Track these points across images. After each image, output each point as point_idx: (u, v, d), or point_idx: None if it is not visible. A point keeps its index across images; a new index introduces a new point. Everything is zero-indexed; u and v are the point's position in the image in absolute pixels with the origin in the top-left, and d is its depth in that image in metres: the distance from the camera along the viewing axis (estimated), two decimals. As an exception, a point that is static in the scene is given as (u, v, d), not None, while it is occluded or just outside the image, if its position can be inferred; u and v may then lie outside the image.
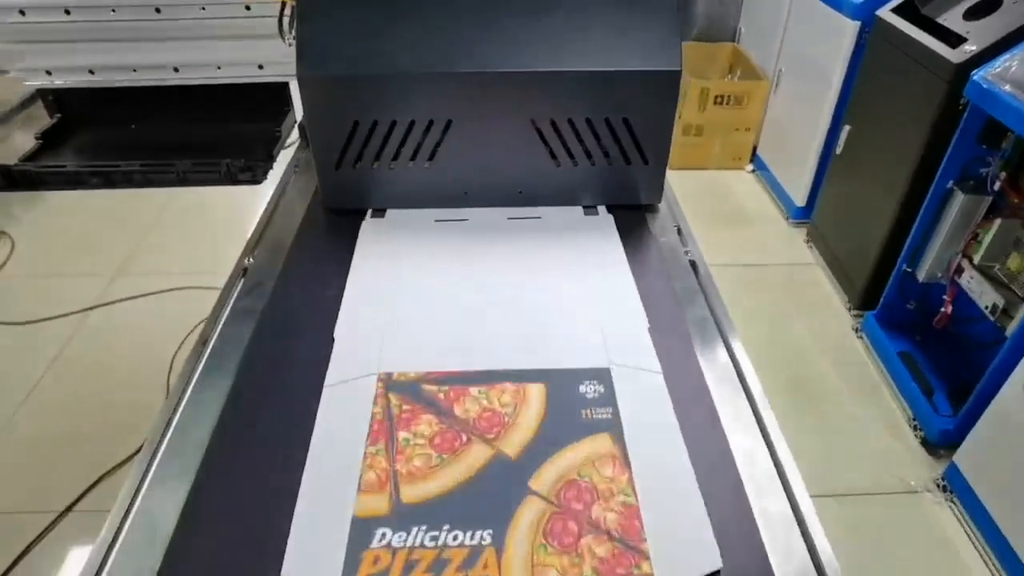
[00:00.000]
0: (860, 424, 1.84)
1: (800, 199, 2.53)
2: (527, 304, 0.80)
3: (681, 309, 0.80)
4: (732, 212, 2.72)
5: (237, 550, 0.55)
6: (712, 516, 0.56)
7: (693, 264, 0.87)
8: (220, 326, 0.78)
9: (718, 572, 0.53)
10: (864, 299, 2.10)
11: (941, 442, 1.72)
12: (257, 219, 0.99)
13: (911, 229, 1.84)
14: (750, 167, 2.94)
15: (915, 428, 1.79)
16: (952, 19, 1.79)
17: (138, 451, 1.75)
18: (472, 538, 0.55)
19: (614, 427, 0.64)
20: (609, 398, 0.67)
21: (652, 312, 0.78)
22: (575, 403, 0.66)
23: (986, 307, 1.63)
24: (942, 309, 1.80)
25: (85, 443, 1.74)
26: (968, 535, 1.54)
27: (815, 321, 2.17)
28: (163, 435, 0.67)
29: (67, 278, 2.32)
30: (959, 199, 1.70)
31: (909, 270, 1.88)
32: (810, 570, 0.55)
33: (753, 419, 0.67)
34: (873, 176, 2.05)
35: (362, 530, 0.56)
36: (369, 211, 0.97)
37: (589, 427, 0.64)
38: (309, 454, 0.62)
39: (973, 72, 1.57)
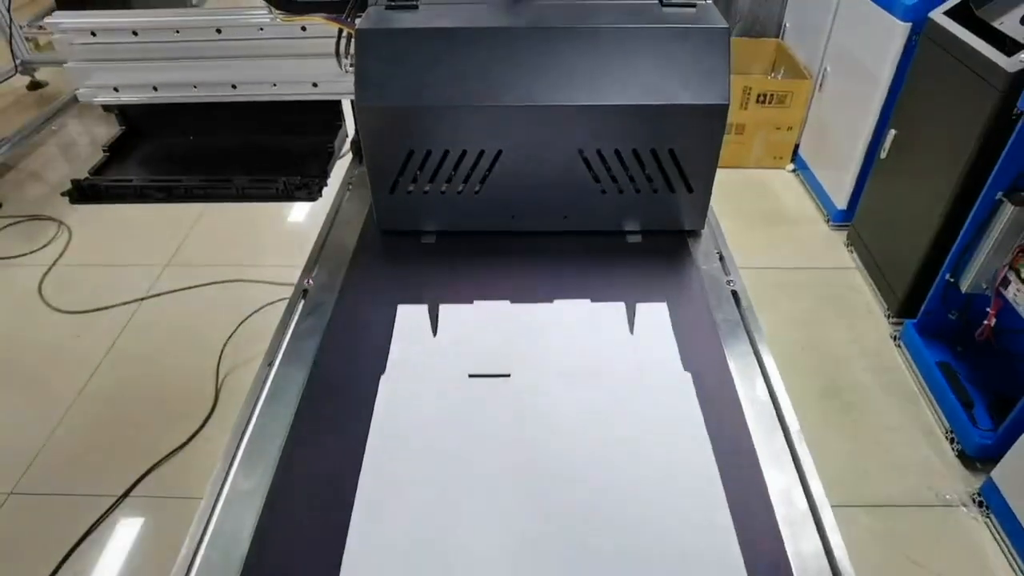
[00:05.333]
0: (895, 434, 1.83)
1: (841, 202, 2.50)
2: (593, 511, 0.65)
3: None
4: (772, 212, 2.70)
5: None
6: None
7: (735, 295, 0.89)
8: (284, 346, 0.82)
9: None
10: (904, 307, 2.08)
11: (979, 456, 1.71)
12: (311, 231, 1.03)
13: (956, 238, 1.81)
14: (791, 167, 2.90)
15: (952, 441, 1.78)
16: (1009, 23, 1.74)
17: (191, 440, 1.83)
18: None
19: None
20: None
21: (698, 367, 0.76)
22: None
23: (1031, 321, 1.61)
24: (985, 321, 1.77)
25: (140, 429, 1.84)
26: (1004, 552, 1.54)
27: (853, 327, 2.15)
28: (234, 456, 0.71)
29: (119, 268, 2.42)
30: (1008, 211, 1.67)
31: (952, 280, 1.86)
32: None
33: (790, 458, 0.69)
34: (918, 182, 2.02)
35: None
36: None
37: None
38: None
39: (1029, 83, 1.54)
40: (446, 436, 0.71)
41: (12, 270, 2.42)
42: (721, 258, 0.96)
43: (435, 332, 0.84)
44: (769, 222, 2.64)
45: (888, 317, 2.15)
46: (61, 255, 2.47)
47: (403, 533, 0.63)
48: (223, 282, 2.31)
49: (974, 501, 1.65)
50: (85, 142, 3.27)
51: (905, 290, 2.06)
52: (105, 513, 1.63)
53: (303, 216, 2.66)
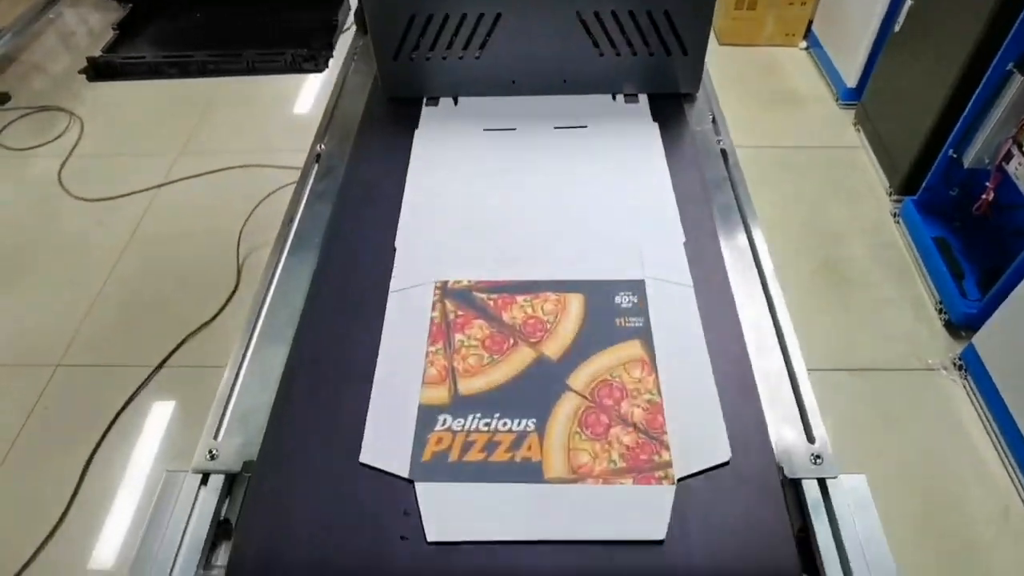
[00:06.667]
0: (887, 306, 1.91)
1: (852, 79, 2.46)
2: (571, 217, 0.86)
3: (710, 207, 0.86)
4: (781, 92, 2.66)
5: (323, 432, 0.66)
6: (726, 414, 0.65)
7: (724, 153, 0.93)
8: (302, 206, 0.89)
9: (727, 463, 0.62)
10: (906, 184, 2.10)
11: (964, 324, 1.79)
12: (317, 105, 1.07)
13: (962, 114, 1.81)
14: (803, 44, 2.83)
15: (940, 311, 1.86)
16: None
17: (218, 315, 1.95)
18: (518, 425, 0.65)
19: (644, 334, 0.71)
20: (642, 308, 0.74)
21: (683, 206, 0.85)
22: (611, 312, 0.74)
23: (1029, 194, 1.64)
24: (983, 196, 1.81)
25: (169, 307, 1.95)
26: (977, 411, 1.65)
27: (854, 205, 2.19)
28: (263, 303, 0.79)
29: (134, 157, 2.47)
30: (1017, 82, 1.66)
31: (955, 155, 1.87)
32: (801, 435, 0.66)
33: (764, 298, 0.77)
34: (930, 56, 1.99)
35: (427, 415, 0.66)
36: (424, 100, 1.04)
37: (622, 334, 0.72)
38: (380, 351, 0.71)
39: (1045, -55, 1.49)
40: (467, 168, 0.93)
41: (30, 160, 2.48)
42: (713, 120, 0.99)
43: (456, 104, 1.04)
44: (778, 102, 2.61)
45: (890, 195, 2.18)
46: (76, 145, 2.51)
47: (442, 207, 0.87)
48: (236, 167, 2.36)
49: (955, 365, 1.75)
50: (83, 31, 3.21)
51: (908, 167, 2.08)
52: (144, 381, 1.77)
53: (309, 105, 2.66)
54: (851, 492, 0.62)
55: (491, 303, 0.75)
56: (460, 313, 0.74)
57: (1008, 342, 1.57)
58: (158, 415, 1.73)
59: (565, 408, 0.66)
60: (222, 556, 0.62)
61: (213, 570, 0.61)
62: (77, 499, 1.56)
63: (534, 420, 0.65)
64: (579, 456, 0.62)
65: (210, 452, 0.66)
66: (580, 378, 0.68)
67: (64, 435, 1.68)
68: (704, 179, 0.90)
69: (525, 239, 0.83)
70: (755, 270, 0.80)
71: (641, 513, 0.59)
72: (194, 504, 0.62)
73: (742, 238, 0.84)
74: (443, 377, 0.69)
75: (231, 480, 0.65)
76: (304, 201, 0.91)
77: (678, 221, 0.84)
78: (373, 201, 0.89)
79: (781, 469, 0.63)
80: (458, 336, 0.72)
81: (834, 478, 0.62)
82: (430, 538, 0.58)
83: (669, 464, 0.61)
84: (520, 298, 0.75)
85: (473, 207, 0.87)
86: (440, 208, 0.88)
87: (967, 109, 1.79)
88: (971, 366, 1.70)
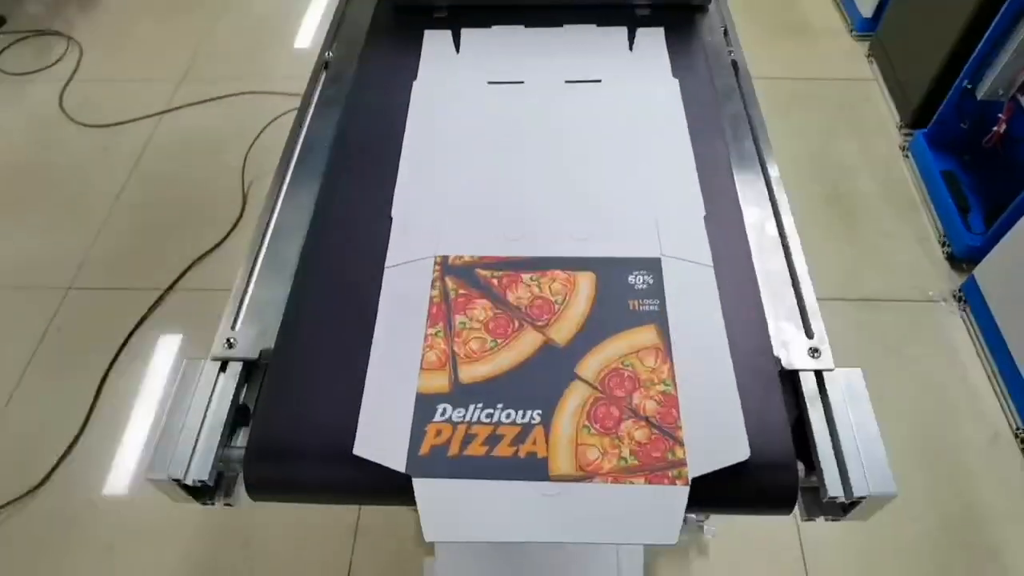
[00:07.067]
0: (892, 238, 1.92)
1: (868, 9, 2.39)
2: (583, 186, 0.79)
3: (731, 172, 0.80)
4: (795, 22, 2.60)
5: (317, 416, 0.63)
6: (745, 407, 0.60)
7: (734, 63, 0.93)
8: (311, 111, 0.89)
9: (745, 462, 0.58)
10: (917, 118, 2.07)
11: (966, 257, 1.80)
12: (316, 45, 1.05)
13: (979, 45, 1.77)
14: (821, -28, 2.74)
15: (944, 244, 1.87)
16: None
17: (225, 238, 1.97)
18: (523, 417, 0.60)
19: (659, 318, 0.66)
20: (657, 290, 0.68)
21: (702, 170, 0.79)
22: (623, 293, 0.68)
23: (1042, 126, 1.63)
24: (995, 128, 1.79)
25: (176, 231, 1.97)
26: (973, 342, 1.68)
27: (864, 138, 2.17)
28: (272, 212, 0.80)
29: (135, 83, 2.43)
30: (1037, 9, 1.62)
31: (969, 87, 1.84)
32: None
33: (769, 203, 0.77)
34: (950, -17, 1.93)
35: (425, 405, 0.61)
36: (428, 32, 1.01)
37: (636, 318, 0.66)
38: (375, 335, 0.66)
39: None
40: (470, 127, 0.87)
41: (30, 85, 2.44)
42: (725, 32, 0.98)
43: (458, 50, 0.96)
44: (791, 32, 2.55)
45: (900, 129, 2.15)
46: (76, 71, 2.48)
47: (443, 171, 0.82)
48: (238, 94, 2.33)
49: (955, 297, 1.77)
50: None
51: (920, 100, 2.05)
52: (154, 304, 1.80)
53: (309, 38, 2.61)
54: (847, 386, 0.64)
55: (495, 281, 0.70)
56: (462, 292, 0.69)
57: (1008, 274, 1.58)
58: (169, 336, 1.76)
59: (573, 399, 0.61)
60: (241, 439, 0.66)
61: (233, 450, 0.64)
62: (93, 416, 1.61)
63: (540, 412, 0.61)
64: (587, 452, 0.58)
65: (228, 341, 0.68)
66: (590, 366, 0.63)
67: (78, 356, 1.72)
68: (723, 129, 0.85)
69: (532, 210, 0.77)
70: (761, 176, 0.80)
71: (652, 515, 0.55)
72: (214, 388, 0.65)
73: (748, 144, 0.84)
74: (443, 363, 0.64)
75: (249, 368, 0.68)
76: (309, 116, 0.90)
77: (699, 192, 0.77)
78: (370, 159, 0.83)
79: (779, 360, 0.65)
80: (459, 318, 0.67)
81: (831, 370, 0.64)
82: (427, 538, 0.55)
83: (683, 462, 0.57)
84: (526, 276, 0.70)
85: (476, 174, 0.81)
86: (440, 175, 0.81)
87: (985, 38, 1.75)
88: (971, 298, 1.72)
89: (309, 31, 2.62)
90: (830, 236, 1.92)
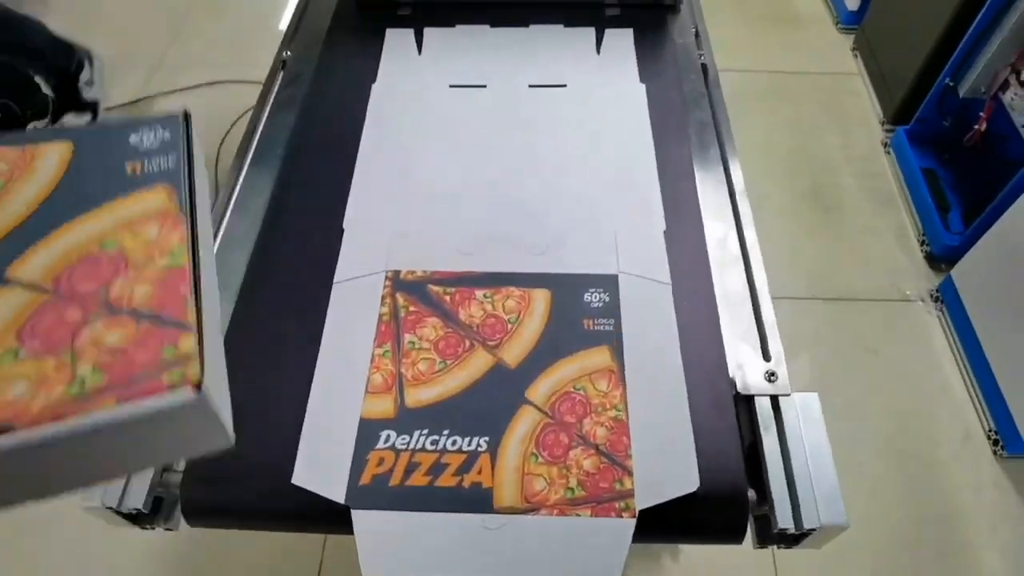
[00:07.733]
0: (869, 235, 1.91)
1: (853, 2, 2.37)
2: (542, 197, 0.77)
3: (694, 180, 0.78)
4: (779, 14, 2.56)
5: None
6: (698, 433, 0.59)
7: (704, 68, 0.90)
8: (265, 115, 0.86)
9: (695, 492, 0.57)
10: (900, 114, 2.06)
11: (945, 256, 1.80)
12: (290, 11, 1.02)
13: (962, 40, 1.76)
14: (807, -38, 2.70)
15: (923, 243, 1.86)
16: None
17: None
18: (469, 444, 0.58)
19: (614, 339, 0.65)
20: (613, 308, 0.67)
21: (664, 175, 0.78)
22: (579, 312, 0.67)
23: (1022, 125, 1.61)
24: (976, 126, 1.77)
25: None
26: (949, 342, 1.68)
27: (846, 133, 2.15)
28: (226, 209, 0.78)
29: (108, 70, 2.37)
30: (1020, 6, 1.60)
31: (952, 84, 1.83)
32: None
33: (732, 216, 0.76)
34: (935, -23, 1.91)
35: (369, 432, 0.59)
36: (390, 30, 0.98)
37: (590, 338, 0.65)
38: (320, 355, 0.64)
39: None
40: (429, 133, 0.84)
41: (-1, 70, 2.38)
42: (696, 34, 0.96)
43: (420, 51, 0.94)
44: (776, 24, 2.52)
45: (883, 124, 2.14)
46: (45, 54, 2.41)
47: (398, 180, 0.79)
48: (212, 83, 2.28)
49: (932, 297, 1.76)
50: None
51: (903, 96, 2.03)
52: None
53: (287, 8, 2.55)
54: (803, 409, 0.63)
55: (447, 298, 0.68)
56: (412, 309, 0.67)
57: (984, 275, 1.58)
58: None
59: (522, 425, 0.60)
60: (182, 462, 0.63)
61: (174, 474, 0.61)
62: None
63: (487, 439, 0.59)
64: (534, 483, 0.57)
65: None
66: (540, 390, 0.62)
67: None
68: (688, 136, 0.83)
69: (489, 223, 0.74)
70: (725, 185, 0.78)
71: (597, 549, 0.54)
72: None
73: (714, 151, 0.82)
74: (389, 386, 0.62)
75: (190, 388, 0.65)
76: (264, 118, 0.87)
77: (660, 206, 0.75)
78: (323, 167, 0.80)
79: (734, 384, 0.64)
80: (408, 337, 0.65)
81: (787, 395, 0.63)
82: (365, 573, 0.54)
83: (631, 493, 0.56)
84: (480, 293, 0.68)
85: (433, 183, 0.78)
86: (395, 185, 0.78)
87: (968, 34, 1.74)
88: (948, 298, 1.72)
89: (286, 15, 2.56)
90: (809, 232, 1.91)
